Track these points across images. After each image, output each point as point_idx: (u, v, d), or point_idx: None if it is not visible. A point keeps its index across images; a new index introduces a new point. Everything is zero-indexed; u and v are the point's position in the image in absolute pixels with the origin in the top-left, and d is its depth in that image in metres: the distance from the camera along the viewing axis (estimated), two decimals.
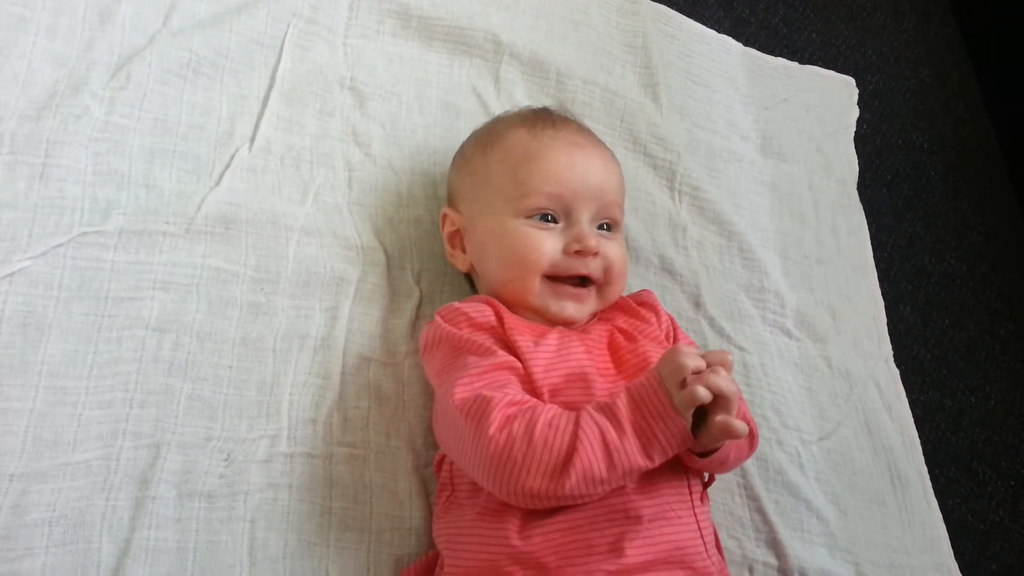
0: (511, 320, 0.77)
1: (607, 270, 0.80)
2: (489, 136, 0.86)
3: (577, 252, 0.78)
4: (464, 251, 0.85)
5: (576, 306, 0.80)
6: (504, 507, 0.68)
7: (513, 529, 0.67)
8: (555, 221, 0.80)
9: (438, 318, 0.77)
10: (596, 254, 0.78)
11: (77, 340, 0.73)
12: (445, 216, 0.86)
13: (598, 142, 0.87)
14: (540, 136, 0.82)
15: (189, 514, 0.72)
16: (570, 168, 0.80)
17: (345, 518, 0.77)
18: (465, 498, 0.73)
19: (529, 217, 0.79)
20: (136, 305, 0.76)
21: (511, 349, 0.74)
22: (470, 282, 0.90)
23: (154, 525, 0.71)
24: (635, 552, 0.66)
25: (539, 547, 0.66)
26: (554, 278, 0.79)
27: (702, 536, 0.71)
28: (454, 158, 0.91)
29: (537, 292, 0.79)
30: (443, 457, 0.77)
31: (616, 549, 0.66)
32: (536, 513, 0.67)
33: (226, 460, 0.75)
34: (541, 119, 0.85)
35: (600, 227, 0.82)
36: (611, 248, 0.81)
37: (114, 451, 0.72)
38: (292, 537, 0.75)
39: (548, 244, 0.78)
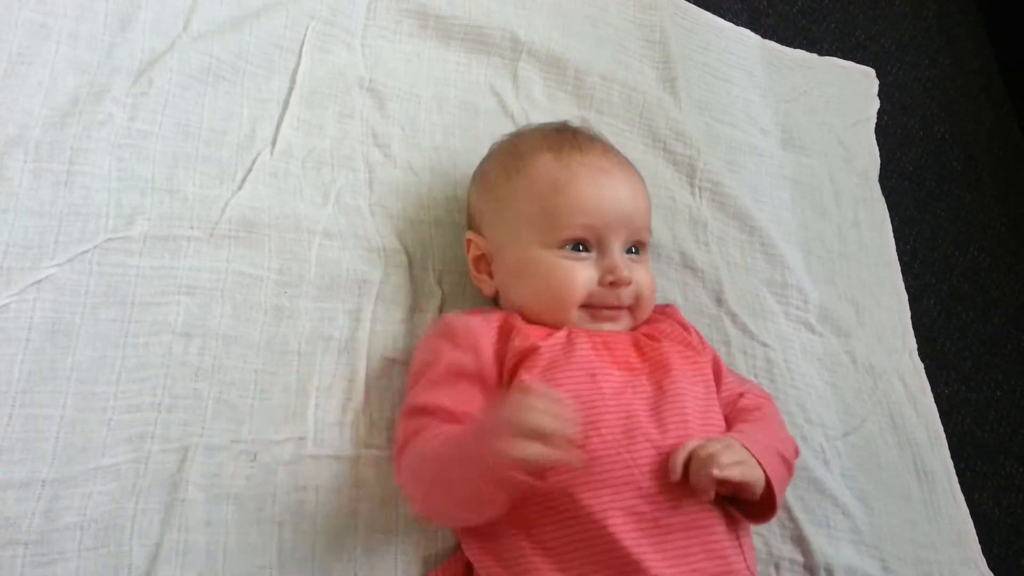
0: (525, 329, 0.77)
1: (637, 296, 0.81)
2: (512, 159, 0.84)
3: (611, 284, 0.78)
4: (491, 276, 0.84)
5: (612, 325, 0.80)
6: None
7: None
8: (587, 250, 0.79)
9: (441, 322, 0.80)
10: (630, 283, 0.79)
11: (105, 346, 0.73)
12: (470, 241, 0.85)
13: (623, 162, 0.86)
14: (567, 162, 0.81)
15: (218, 517, 0.73)
16: (599, 198, 0.79)
17: (372, 520, 0.77)
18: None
19: (561, 247, 0.79)
20: (162, 310, 0.77)
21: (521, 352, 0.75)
22: (494, 300, 0.88)
23: (184, 528, 0.71)
24: None
25: None
26: (589, 305, 0.79)
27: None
28: (474, 178, 0.89)
29: (575, 320, 0.79)
30: None
31: None
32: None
33: (253, 462, 0.75)
34: (568, 142, 0.83)
35: (629, 250, 0.82)
36: (640, 274, 0.81)
37: (143, 455, 0.72)
38: (320, 539, 0.75)
39: (583, 276, 0.78)
